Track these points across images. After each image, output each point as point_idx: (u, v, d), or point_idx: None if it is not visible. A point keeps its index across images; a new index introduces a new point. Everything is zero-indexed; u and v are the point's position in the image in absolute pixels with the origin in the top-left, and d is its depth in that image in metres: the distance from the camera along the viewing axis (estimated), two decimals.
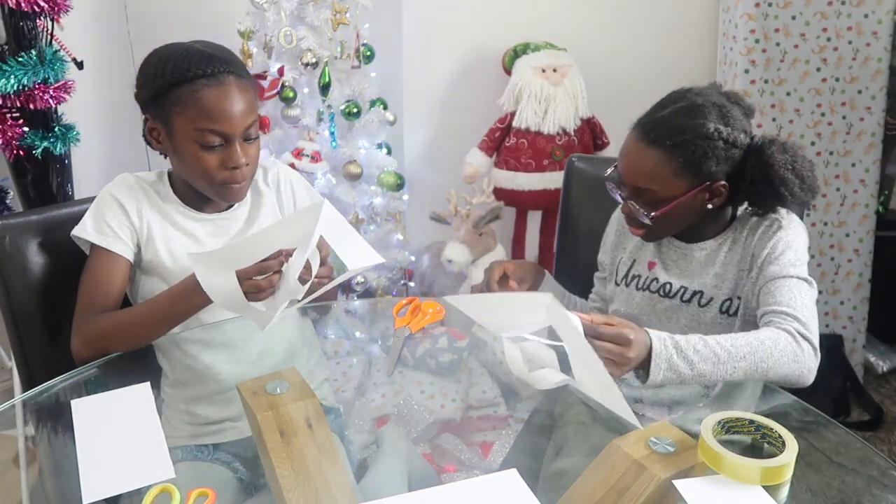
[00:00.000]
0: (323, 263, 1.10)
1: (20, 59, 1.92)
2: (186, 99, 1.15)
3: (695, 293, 1.23)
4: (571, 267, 1.64)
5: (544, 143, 2.47)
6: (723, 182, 1.16)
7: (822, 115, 2.37)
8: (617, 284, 1.35)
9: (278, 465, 0.82)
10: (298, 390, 0.91)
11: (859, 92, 2.34)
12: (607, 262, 1.40)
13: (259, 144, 1.26)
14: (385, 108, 2.42)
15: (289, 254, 1.05)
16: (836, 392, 2.32)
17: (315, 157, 2.22)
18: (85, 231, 1.22)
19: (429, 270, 2.59)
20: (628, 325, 0.98)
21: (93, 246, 1.22)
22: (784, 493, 0.81)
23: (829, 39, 2.31)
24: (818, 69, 2.33)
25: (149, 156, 2.51)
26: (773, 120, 2.37)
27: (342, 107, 2.29)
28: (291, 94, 2.21)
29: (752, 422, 0.86)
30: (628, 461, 0.80)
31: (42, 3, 1.92)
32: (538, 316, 0.93)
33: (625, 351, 0.95)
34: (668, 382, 1.01)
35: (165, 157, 1.27)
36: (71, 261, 1.26)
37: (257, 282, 1.04)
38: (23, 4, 1.88)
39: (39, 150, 2.01)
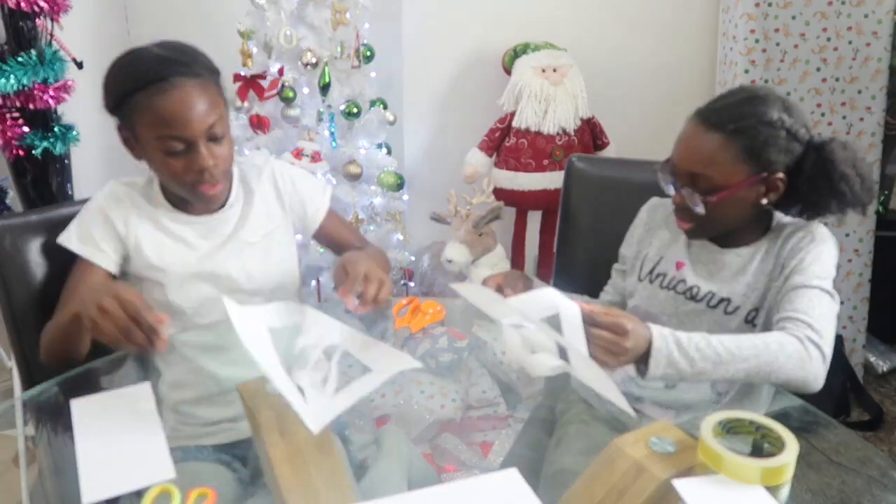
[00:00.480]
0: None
1: (20, 58, 1.92)
2: (142, 107, 1.13)
3: (722, 300, 1.20)
4: (571, 267, 1.64)
5: (544, 143, 2.47)
6: (781, 175, 1.13)
7: (822, 114, 2.36)
8: (640, 280, 1.31)
9: (278, 465, 0.82)
10: None
11: (859, 92, 2.34)
12: (630, 256, 1.37)
13: (230, 142, 1.22)
14: (385, 108, 2.42)
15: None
16: (836, 392, 2.32)
17: (315, 157, 2.22)
18: (69, 240, 1.22)
19: (429, 270, 2.59)
20: (627, 315, 0.97)
21: (76, 256, 1.22)
22: (784, 493, 0.81)
23: (829, 39, 2.31)
24: (818, 69, 2.33)
25: None
26: None
27: (342, 107, 2.29)
28: (291, 94, 2.21)
29: (752, 422, 0.86)
30: (628, 461, 0.80)
31: (42, 3, 1.92)
32: (540, 306, 0.94)
33: (621, 340, 0.94)
34: (669, 379, 1.00)
35: (141, 160, 1.24)
36: (70, 261, 1.25)
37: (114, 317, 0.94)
38: (23, 4, 1.89)
39: (39, 150, 2.01)
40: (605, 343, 0.94)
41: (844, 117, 2.36)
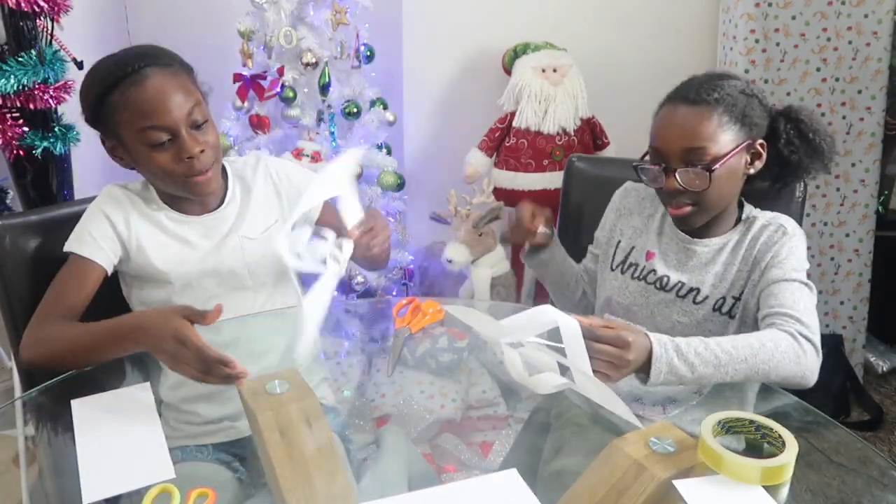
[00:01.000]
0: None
1: (20, 59, 1.92)
2: (118, 104, 1.14)
3: (691, 290, 1.24)
4: None
5: (544, 143, 2.47)
6: (761, 141, 1.19)
7: (822, 115, 2.36)
8: (612, 270, 1.34)
9: (278, 465, 0.82)
10: (298, 390, 0.91)
11: (859, 92, 2.34)
12: (603, 240, 1.40)
13: (214, 129, 1.22)
14: (385, 108, 2.42)
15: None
16: (836, 392, 2.32)
17: (315, 157, 2.22)
18: (70, 245, 1.22)
19: (429, 271, 2.59)
20: (627, 327, 0.98)
21: (70, 253, 1.22)
22: (784, 493, 0.81)
23: (829, 39, 2.31)
24: (818, 69, 2.33)
25: None
26: None
27: (342, 107, 2.29)
28: (291, 94, 2.21)
29: (752, 422, 0.86)
30: (628, 461, 0.80)
31: (42, 3, 1.92)
32: (537, 324, 0.93)
33: (624, 353, 0.95)
34: (669, 385, 1.01)
35: (133, 169, 1.25)
36: None
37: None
38: (23, 4, 1.89)
39: (39, 150, 2.01)
40: (608, 357, 0.94)
41: (844, 117, 2.36)
